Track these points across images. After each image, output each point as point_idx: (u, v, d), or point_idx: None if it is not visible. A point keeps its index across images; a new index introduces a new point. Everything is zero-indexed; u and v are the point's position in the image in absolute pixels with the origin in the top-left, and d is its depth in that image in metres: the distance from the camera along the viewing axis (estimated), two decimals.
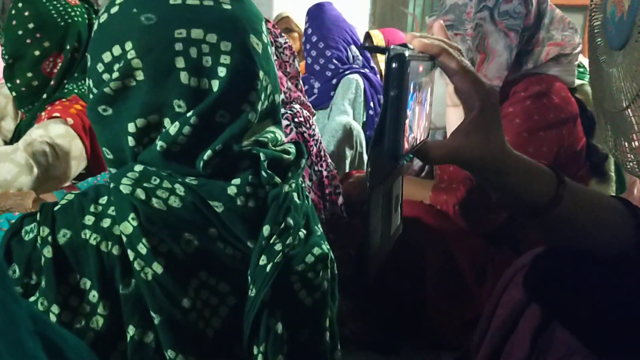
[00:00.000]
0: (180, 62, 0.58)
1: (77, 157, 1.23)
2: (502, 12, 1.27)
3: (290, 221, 0.61)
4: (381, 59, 2.33)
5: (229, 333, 0.60)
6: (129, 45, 0.58)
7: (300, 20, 2.41)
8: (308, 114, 1.19)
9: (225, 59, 0.59)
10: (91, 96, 0.62)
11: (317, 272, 0.62)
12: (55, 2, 1.30)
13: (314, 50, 2.04)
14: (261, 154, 0.61)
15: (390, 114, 0.45)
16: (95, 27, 0.63)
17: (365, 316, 1.29)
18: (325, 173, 1.20)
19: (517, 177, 0.59)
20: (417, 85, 0.49)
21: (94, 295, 0.56)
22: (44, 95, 1.32)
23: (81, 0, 1.37)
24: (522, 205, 0.62)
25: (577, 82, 1.74)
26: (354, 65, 2.06)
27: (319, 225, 0.67)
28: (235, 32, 0.60)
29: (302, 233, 0.63)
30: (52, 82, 1.32)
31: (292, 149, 0.67)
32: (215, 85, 0.59)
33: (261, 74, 0.61)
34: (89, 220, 0.57)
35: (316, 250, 0.62)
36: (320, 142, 1.23)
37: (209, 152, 0.59)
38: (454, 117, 0.59)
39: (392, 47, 0.46)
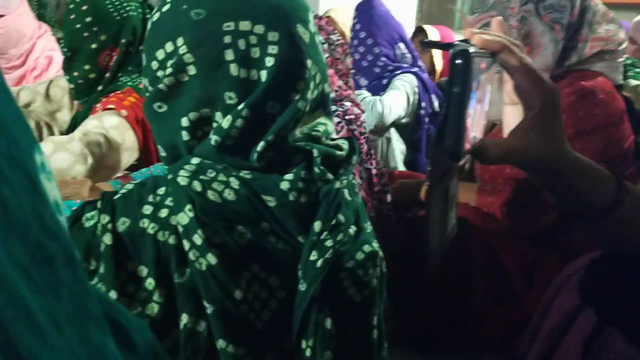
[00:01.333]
0: (229, 55, 0.59)
1: (129, 149, 1.26)
2: (547, 6, 1.27)
3: (341, 218, 0.61)
4: (435, 56, 2.30)
5: (278, 326, 0.61)
6: (180, 41, 0.60)
7: (343, 20, 2.39)
8: (359, 111, 1.19)
9: (273, 49, 0.59)
10: (147, 95, 0.64)
11: (366, 270, 0.62)
12: None
13: (362, 46, 2.03)
14: (314, 150, 0.61)
15: (452, 112, 0.44)
16: (149, 26, 0.65)
17: (407, 315, 1.29)
18: (374, 171, 1.20)
19: (576, 179, 0.57)
20: (478, 82, 0.49)
21: (150, 283, 0.57)
22: (99, 87, 1.36)
23: None
24: (579, 208, 0.60)
25: (633, 82, 1.68)
26: (402, 65, 2.03)
27: (369, 223, 0.67)
28: (282, 22, 0.60)
29: (353, 230, 0.63)
30: (107, 75, 1.36)
31: (345, 144, 0.67)
32: (264, 75, 0.59)
33: (309, 62, 0.62)
34: (148, 209, 0.59)
35: (366, 248, 0.62)
36: (370, 140, 1.23)
37: (262, 143, 0.60)
38: (511, 115, 0.58)
39: (456, 43, 0.46)
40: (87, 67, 1.35)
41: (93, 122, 1.23)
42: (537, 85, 0.53)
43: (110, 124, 1.23)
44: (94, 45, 1.33)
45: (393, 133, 2.06)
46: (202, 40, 0.59)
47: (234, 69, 0.59)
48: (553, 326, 0.75)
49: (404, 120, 2.03)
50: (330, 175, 0.62)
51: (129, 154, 1.27)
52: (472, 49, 0.45)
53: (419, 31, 2.38)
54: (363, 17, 2.04)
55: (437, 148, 0.45)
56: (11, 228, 0.21)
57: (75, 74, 1.37)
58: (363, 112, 1.23)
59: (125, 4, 1.34)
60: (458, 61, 0.44)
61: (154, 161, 1.31)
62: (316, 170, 0.61)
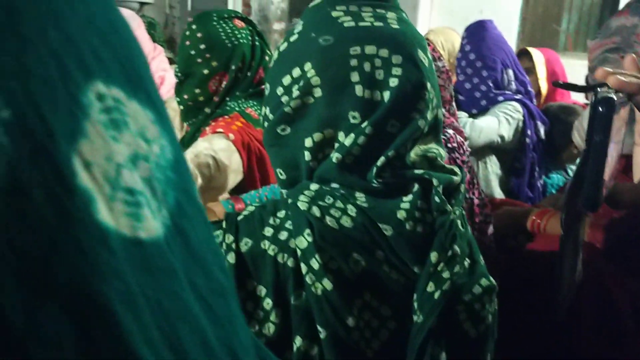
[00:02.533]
0: (355, 77, 0.61)
1: (235, 171, 1.32)
2: None
3: (457, 249, 0.60)
4: (540, 79, 2.21)
5: (386, 357, 0.60)
6: (308, 66, 0.63)
7: (442, 42, 2.36)
8: (461, 139, 1.17)
9: (396, 71, 0.62)
10: (266, 124, 0.67)
11: (483, 304, 0.60)
12: (224, 25, 1.41)
13: (470, 68, 1.99)
14: (434, 179, 0.61)
15: (592, 161, 0.43)
16: (276, 56, 0.68)
17: (510, 351, 1.23)
18: (476, 201, 1.17)
19: None
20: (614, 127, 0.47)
21: (268, 303, 0.59)
22: (208, 111, 1.43)
23: (246, 22, 1.47)
24: None
25: None
26: (506, 92, 1.97)
27: (481, 256, 0.66)
28: (405, 47, 0.63)
29: (467, 262, 0.62)
30: (215, 99, 1.43)
31: (458, 170, 0.67)
32: (387, 95, 0.61)
33: (428, 85, 0.64)
34: (268, 232, 0.61)
35: (484, 282, 0.61)
36: (473, 169, 1.20)
37: (382, 159, 0.61)
38: None
39: (598, 89, 0.44)
40: (197, 90, 1.43)
41: (203, 144, 1.30)
42: None
43: (219, 146, 1.29)
44: (205, 71, 1.40)
45: (490, 158, 2.01)
46: (330, 64, 0.62)
47: (359, 89, 0.61)
48: None
49: (505, 147, 1.96)
50: (449, 207, 0.61)
51: (234, 176, 1.32)
52: (614, 95, 0.43)
53: (523, 54, 2.30)
54: (474, 38, 2.00)
55: (573, 195, 0.44)
56: (192, 260, 0.23)
57: (185, 96, 1.45)
58: (466, 139, 1.21)
59: (236, 32, 1.41)
60: (601, 109, 0.43)
61: (256, 184, 1.35)
62: (437, 199, 0.61)
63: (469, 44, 2.00)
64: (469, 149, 1.19)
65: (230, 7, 4.23)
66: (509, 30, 3.06)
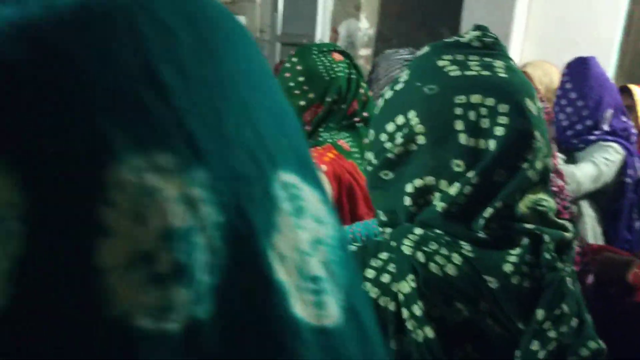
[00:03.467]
0: (459, 125, 0.62)
1: None
2: None
3: (566, 308, 0.59)
4: None
5: None
6: (412, 114, 0.64)
7: (540, 76, 2.29)
8: (562, 183, 1.13)
9: (502, 120, 0.62)
10: (370, 168, 0.69)
11: None
12: (323, 59, 1.45)
13: (571, 107, 1.91)
14: (545, 236, 0.60)
15: None
16: (381, 103, 0.70)
17: None
18: (577, 249, 1.12)
19: None
20: None
21: None
22: None
23: (344, 55, 1.51)
24: None
25: None
26: (596, 132, 1.88)
27: (589, 315, 0.64)
28: (512, 96, 0.63)
29: (575, 322, 0.60)
30: (308, 129, 1.47)
31: (570, 226, 0.65)
32: (493, 144, 0.61)
33: (537, 134, 0.63)
34: (370, 273, 0.62)
35: (592, 345, 0.59)
36: (575, 215, 1.16)
37: (489, 209, 0.61)
38: None
39: None
40: None
41: None
42: None
43: None
44: (302, 103, 1.45)
45: (584, 199, 1.92)
46: (434, 112, 0.63)
47: (463, 138, 0.62)
48: None
49: (600, 187, 1.87)
50: (560, 264, 0.60)
51: None
52: None
53: (623, 91, 2.19)
54: (576, 76, 1.92)
55: None
56: (365, 342, 0.22)
57: None
58: (567, 183, 1.17)
59: (334, 66, 1.45)
60: None
61: (345, 215, 1.36)
62: (547, 256, 0.60)
63: (570, 82, 1.92)
64: (569, 194, 1.15)
65: (318, 33, 4.33)
66: (606, 64, 2.92)
